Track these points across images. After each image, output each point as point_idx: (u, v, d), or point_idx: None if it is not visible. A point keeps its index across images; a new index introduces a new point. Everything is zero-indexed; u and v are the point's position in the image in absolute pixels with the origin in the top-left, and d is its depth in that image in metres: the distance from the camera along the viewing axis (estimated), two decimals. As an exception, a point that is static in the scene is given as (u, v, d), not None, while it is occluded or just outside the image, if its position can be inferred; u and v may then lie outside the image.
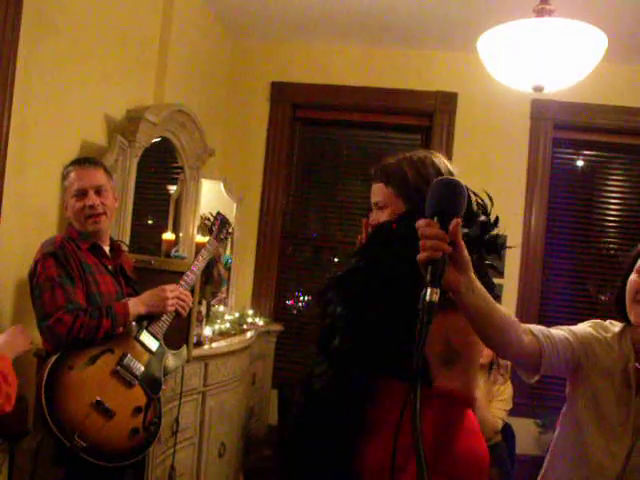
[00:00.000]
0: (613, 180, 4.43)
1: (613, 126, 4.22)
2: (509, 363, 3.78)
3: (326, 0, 3.79)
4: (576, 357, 1.57)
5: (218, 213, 2.66)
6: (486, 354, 3.71)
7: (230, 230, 2.71)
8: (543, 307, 4.22)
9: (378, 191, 1.67)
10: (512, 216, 4.20)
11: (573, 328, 1.62)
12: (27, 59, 2.42)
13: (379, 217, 1.66)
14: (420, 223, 1.15)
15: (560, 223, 4.33)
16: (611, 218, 4.33)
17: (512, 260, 4.17)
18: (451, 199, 1.16)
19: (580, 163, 4.47)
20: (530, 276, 4.19)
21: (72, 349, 2.03)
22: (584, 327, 1.63)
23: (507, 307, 4.63)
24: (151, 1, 3.42)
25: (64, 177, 2.26)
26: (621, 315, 1.62)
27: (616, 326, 1.64)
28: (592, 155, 4.46)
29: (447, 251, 1.12)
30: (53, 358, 1.99)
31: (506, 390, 3.54)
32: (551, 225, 4.31)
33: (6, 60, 2.32)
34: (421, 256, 1.11)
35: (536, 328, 1.55)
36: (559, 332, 1.57)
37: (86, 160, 2.30)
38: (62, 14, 2.65)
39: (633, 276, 1.58)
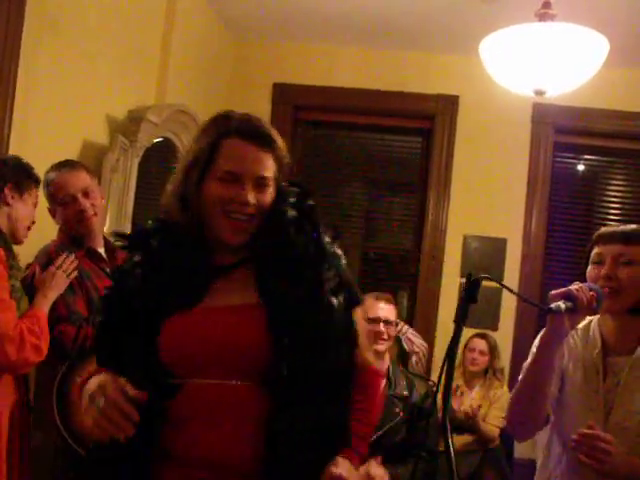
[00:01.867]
0: (614, 185, 4.43)
1: (614, 131, 4.22)
2: (504, 367, 3.80)
3: (329, 2, 3.79)
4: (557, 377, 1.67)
5: None
6: (481, 360, 3.72)
7: None
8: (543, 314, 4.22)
9: (266, 162, 1.29)
10: (512, 220, 4.20)
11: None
12: (29, 59, 2.43)
13: (263, 198, 1.29)
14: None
15: (561, 227, 4.33)
16: (612, 223, 4.33)
17: (511, 264, 4.17)
18: None
19: (581, 167, 4.47)
20: (530, 281, 4.19)
21: (78, 358, 2.03)
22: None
23: (507, 314, 4.60)
24: (154, 2, 3.43)
25: (47, 184, 2.21)
26: None
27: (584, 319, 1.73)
28: (593, 160, 4.46)
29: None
30: (61, 370, 2.00)
31: (503, 396, 3.54)
32: (552, 229, 4.31)
33: (8, 59, 2.33)
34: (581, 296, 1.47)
35: None
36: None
37: (66, 164, 2.25)
38: (64, 14, 2.65)
39: (589, 268, 1.66)
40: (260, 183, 1.28)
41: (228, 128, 1.28)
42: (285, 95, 4.48)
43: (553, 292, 1.50)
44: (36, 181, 2.11)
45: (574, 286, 1.49)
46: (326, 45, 4.41)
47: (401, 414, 2.52)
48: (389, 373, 2.62)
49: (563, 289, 1.48)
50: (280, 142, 1.32)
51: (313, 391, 1.23)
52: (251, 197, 1.26)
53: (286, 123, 4.50)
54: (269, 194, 1.29)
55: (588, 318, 1.73)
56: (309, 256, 1.29)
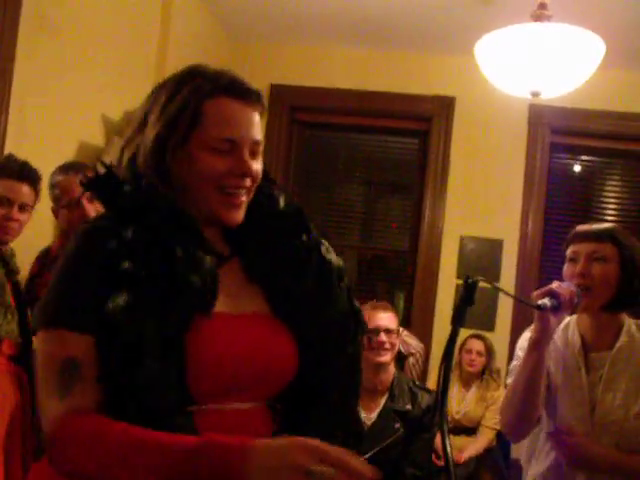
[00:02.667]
0: (610, 186, 4.44)
1: (610, 132, 4.22)
2: (500, 368, 3.81)
3: (325, 3, 3.79)
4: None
5: None
6: (479, 361, 3.73)
7: None
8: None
9: (258, 123, 1.11)
10: (509, 221, 4.20)
11: (522, 353, 1.73)
12: (25, 60, 2.42)
13: (259, 167, 1.11)
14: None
15: (557, 228, 4.34)
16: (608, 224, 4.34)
17: (508, 265, 4.17)
18: None
19: (577, 168, 4.48)
20: (526, 281, 4.19)
21: None
22: (526, 339, 1.75)
23: (503, 315, 4.58)
24: (150, 3, 3.42)
25: (52, 186, 2.21)
26: None
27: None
28: (589, 160, 4.47)
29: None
30: None
31: (500, 397, 3.55)
32: (548, 230, 4.32)
33: (4, 61, 2.33)
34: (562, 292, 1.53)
35: None
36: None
37: (73, 166, 2.24)
38: (60, 15, 2.65)
39: (566, 265, 1.72)
40: (255, 150, 1.08)
41: (213, 85, 1.05)
42: (282, 96, 4.48)
43: (536, 292, 1.57)
44: (8, 175, 2.05)
45: (554, 284, 1.56)
46: (323, 46, 4.41)
47: (401, 430, 2.43)
48: (392, 386, 2.53)
49: (545, 288, 1.55)
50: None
51: (328, 407, 1.13)
52: (252, 167, 1.07)
53: (283, 124, 4.50)
54: (261, 163, 1.11)
55: (566, 319, 1.78)
56: (339, 272, 1.17)
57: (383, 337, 2.51)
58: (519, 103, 3.72)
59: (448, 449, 1.15)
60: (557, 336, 1.74)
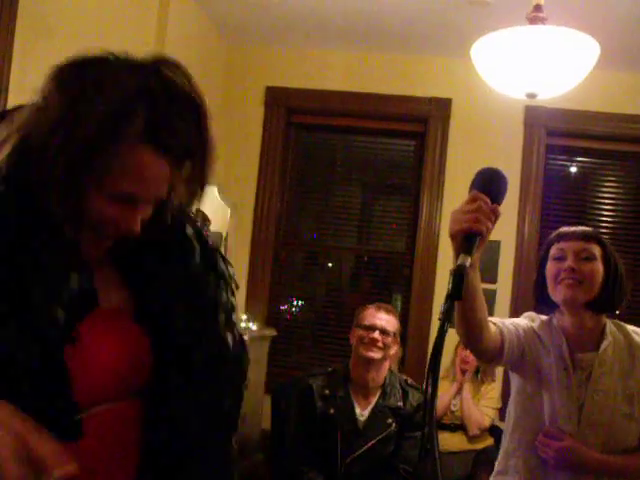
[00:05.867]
0: (606, 187, 4.45)
1: (606, 133, 4.24)
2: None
3: (322, 5, 3.80)
4: (522, 346, 1.72)
5: (197, 210, 2.65)
6: (472, 357, 3.77)
7: (210, 226, 2.73)
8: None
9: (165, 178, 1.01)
10: (506, 222, 4.21)
11: (516, 320, 1.77)
12: (22, 61, 2.43)
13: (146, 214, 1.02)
14: (475, 194, 1.28)
15: (554, 229, 4.33)
16: (604, 224, 4.35)
17: (505, 266, 4.18)
18: (502, 188, 1.35)
19: (573, 169, 4.49)
20: (523, 283, 4.20)
21: None
22: (522, 320, 1.79)
23: (500, 314, 4.62)
24: (146, 5, 3.43)
25: None
26: (543, 302, 1.80)
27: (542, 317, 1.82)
28: (585, 162, 4.48)
29: (489, 229, 1.28)
30: None
31: (494, 389, 3.61)
32: (545, 231, 4.33)
33: (1, 62, 2.33)
34: (467, 226, 1.25)
35: (493, 318, 1.69)
36: (507, 322, 1.74)
37: None
38: (57, 17, 2.65)
39: (550, 264, 1.76)
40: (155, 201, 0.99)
41: (137, 128, 0.92)
42: (278, 98, 4.49)
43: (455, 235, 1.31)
44: None
45: (464, 219, 1.31)
46: (319, 48, 4.42)
47: (393, 425, 2.52)
48: (384, 383, 2.61)
49: (458, 228, 1.31)
50: None
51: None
52: (137, 227, 0.95)
53: (279, 127, 4.50)
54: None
55: (545, 317, 1.80)
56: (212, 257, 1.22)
57: (377, 335, 2.62)
58: (515, 105, 3.74)
59: (435, 446, 1.13)
60: (542, 332, 1.76)
